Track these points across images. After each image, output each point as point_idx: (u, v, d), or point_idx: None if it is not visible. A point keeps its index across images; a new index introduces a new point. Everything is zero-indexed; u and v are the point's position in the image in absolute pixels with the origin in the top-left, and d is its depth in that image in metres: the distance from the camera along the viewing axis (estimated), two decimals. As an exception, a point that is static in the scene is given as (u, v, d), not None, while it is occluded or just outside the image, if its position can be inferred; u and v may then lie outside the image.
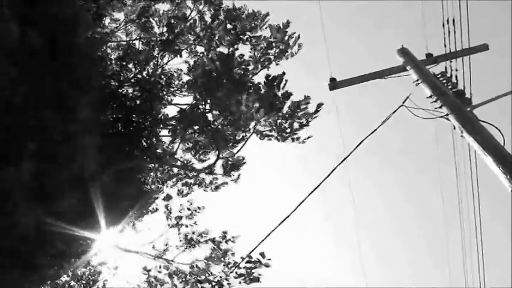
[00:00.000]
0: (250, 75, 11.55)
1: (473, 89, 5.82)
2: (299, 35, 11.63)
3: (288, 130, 11.53)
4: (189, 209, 13.28)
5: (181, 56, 12.24)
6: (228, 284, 11.14)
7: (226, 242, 12.97)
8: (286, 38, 11.57)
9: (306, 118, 11.39)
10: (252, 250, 5.97)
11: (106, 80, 10.70)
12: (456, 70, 6.17)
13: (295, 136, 11.67)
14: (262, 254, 10.67)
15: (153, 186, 12.81)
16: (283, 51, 11.67)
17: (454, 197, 6.56)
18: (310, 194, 5.87)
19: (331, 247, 32.05)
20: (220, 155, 11.89)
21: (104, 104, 10.10)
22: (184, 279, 12.83)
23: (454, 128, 5.54)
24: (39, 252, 7.92)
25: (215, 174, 12.72)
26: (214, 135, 11.31)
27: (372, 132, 5.96)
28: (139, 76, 11.57)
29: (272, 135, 11.79)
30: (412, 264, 29.89)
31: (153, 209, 13.06)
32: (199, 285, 12.46)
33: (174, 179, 13.28)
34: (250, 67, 11.53)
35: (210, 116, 11.51)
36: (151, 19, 12.12)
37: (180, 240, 13.25)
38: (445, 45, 6.16)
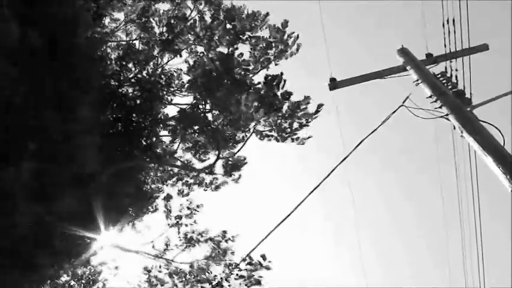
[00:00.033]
0: (250, 75, 11.55)
1: (473, 89, 5.82)
2: (298, 35, 11.64)
3: (288, 130, 11.53)
4: (188, 208, 13.30)
5: (181, 56, 12.24)
6: (229, 285, 11.14)
7: (226, 241, 12.99)
8: (285, 37, 11.57)
9: (306, 118, 11.39)
10: (252, 250, 5.97)
11: (106, 80, 10.69)
12: (456, 70, 6.17)
13: (295, 136, 11.68)
14: (264, 257, 10.68)
15: (153, 186, 12.82)
16: (283, 51, 11.67)
17: (454, 197, 6.57)
18: (310, 193, 5.87)
19: (331, 247, 32.06)
20: (220, 155, 11.90)
21: (103, 103, 10.10)
22: (184, 279, 12.84)
23: (454, 128, 5.55)
24: (39, 252, 7.92)
25: (215, 174, 12.73)
26: (214, 135, 11.32)
27: (371, 132, 5.96)
28: (139, 76, 11.56)
29: (272, 136, 11.80)
30: (412, 264, 29.91)
31: (153, 208, 13.06)
32: (199, 285, 12.47)
33: (174, 179, 13.29)
34: (250, 67, 11.53)
35: (210, 116, 11.51)
36: (151, 19, 12.11)
37: (180, 240, 13.26)
38: (445, 45, 6.16)
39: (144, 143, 11.05)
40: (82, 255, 10.45)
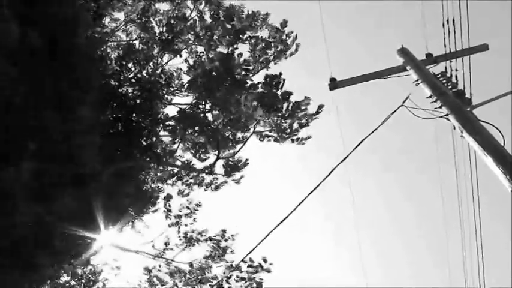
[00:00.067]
0: (250, 75, 11.56)
1: (473, 89, 5.82)
2: (296, 35, 11.65)
3: (288, 131, 11.54)
4: (188, 208, 13.30)
5: (181, 56, 12.25)
6: (229, 287, 11.15)
7: (226, 240, 13.01)
8: (284, 37, 11.58)
9: (306, 119, 11.41)
10: (252, 250, 5.96)
11: (106, 80, 10.69)
12: (456, 70, 6.17)
13: (295, 137, 11.69)
14: (265, 259, 10.69)
15: (153, 185, 12.81)
16: (282, 51, 11.68)
17: (454, 197, 6.57)
18: (309, 193, 5.86)
19: (331, 247, 32.05)
20: (221, 155, 11.90)
21: (103, 103, 10.10)
22: (184, 278, 12.85)
23: (454, 128, 5.55)
24: (39, 252, 7.92)
25: (215, 175, 12.73)
26: (214, 135, 11.32)
27: (371, 132, 5.96)
28: (139, 75, 11.56)
29: (272, 136, 11.81)
30: (412, 264, 29.90)
31: (153, 208, 13.06)
32: (199, 285, 12.48)
33: (175, 178, 13.29)
34: (250, 67, 11.54)
35: (210, 116, 11.52)
36: (151, 19, 12.12)
37: (180, 239, 13.27)
38: (445, 45, 6.16)
39: (144, 143, 11.05)
40: (82, 255, 10.45)
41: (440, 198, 9.48)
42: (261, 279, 10.85)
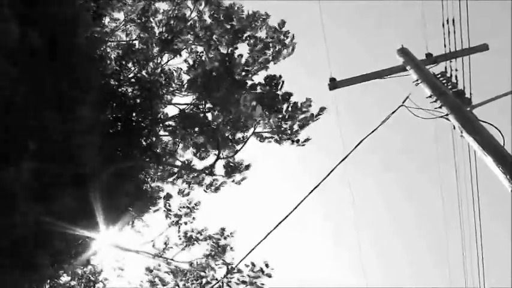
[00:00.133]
0: (250, 75, 11.55)
1: (473, 89, 5.82)
2: (293, 35, 11.63)
3: (288, 132, 11.54)
4: (188, 207, 13.32)
5: (181, 56, 12.24)
6: None
7: (225, 238, 13.03)
8: (282, 37, 11.58)
9: (306, 120, 11.42)
10: (251, 250, 5.96)
11: (106, 80, 10.69)
12: (456, 70, 6.17)
13: (295, 138, 11.70)
14: (266, 264, 10.70)
15: (153, 185, 12.81)
16: (280, 51, 11.67)
17: (454, 197, 6.57)
18: (309, 193, 5.87)
19: (330, 247, 32.05)
20: (220, 155, 11.90)
21: (103, 103, 10.09)
22: (184, 278, 12.87)
23: (454, 128, 5.55)
24: (39, 252, 7.92)
25: (215, 175, 12.74)
26: (214, 135, 11.32)
27: (371, 132, 5.96)
28: (139, 75, 11.56)
29: (272, 137, 11.82)
30: (412, 264, 29.90)
31: (153, 207, 13.07)
32: (199, 286, 12.49)
33: (175, 177, 13.29)
34: (250, 68, 11.54)
35: (209, 116, 11.52)
36: (151, 19, 12.12)
37: (180, 239, 13.28)
38: (445, 45, 6.16)
39: (144, 142, 11.05)
40: (82, 255, 10.45)
41: (440, 198, 9.48)
42: (262, 284, 10.86)
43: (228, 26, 11.58)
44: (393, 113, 6.02)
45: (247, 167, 12.59)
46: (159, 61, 12.21)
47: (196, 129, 11.42)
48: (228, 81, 10.91)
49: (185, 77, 12.21)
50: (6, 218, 6.96)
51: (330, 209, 31.48)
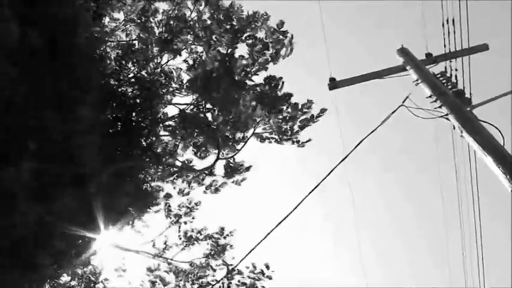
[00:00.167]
0: (250, 75, 11.55)
1: (473, 89, 5.82)
2: (292, 35, 11.63)
3: (289, 133, 11.55)
4: (188, 207, 13.34)
5: (180, 55, 12.23)
6: None
7: (224, 237, 13.05)
8: (281, 37, 11.58)
9: (307, 121, 11.44)
10: (251, 250, 5.97)
11: (105, 79, 10.69)
12: (456, 70, 6.17)
13: (295, 139, 11.71)
14: (267, 266, 10.72)
15: (153, 184, 12.81)
16: (279, 52, 11.66)
17: (454, 197, 6.57)
18: (309, 193, 5.87)
19: (330, 247, 32.04)
20: (220, 155, 11.90)
21: (103, 103, 10.09)
22: (185, 277, 12.88)
23: (454, 127, 5.55)
24: (39, 252, 7.92)
25: (215, 176, 12.74)
26: (214, 135, 11.32)
27: (371, 132, 5.96)
28: (138, 75, 11.56)
29: (272, 138, 11.83)
30: (412, 264, 29.89)
31: (153, 207, 13.08)
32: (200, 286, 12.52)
33: (175, 176, 13.29)
34: (249, 68, 11.53)
35: (209, 116, 11.52)
36: (150, 19, 12.11)
37: (180, 238, 13.30)
38: (444, 45, 6.16)
39: (144, 142, 11.05)
40: (82, 255, 10.45)
41: (440, 198, 9.49)
42: (263, 287, 10.89)
43: (228, 26, 11.58)
44: (393, 113, 6.03)
45: (248, 168, 12.59)
46: (159, 61, 12.21)
47: (196, 129, 11.42)
48: (228, 82, 10.91)
49: (185, 77, 12.22)
50: (6, 218, 6.96)
51: (330, 209, 31.48)
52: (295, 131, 11.66)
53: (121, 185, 10.20)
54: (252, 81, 11.43)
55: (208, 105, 11.44)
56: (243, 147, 11.92)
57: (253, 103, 10.78)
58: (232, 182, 12.82)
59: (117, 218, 10.56)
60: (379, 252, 28.36)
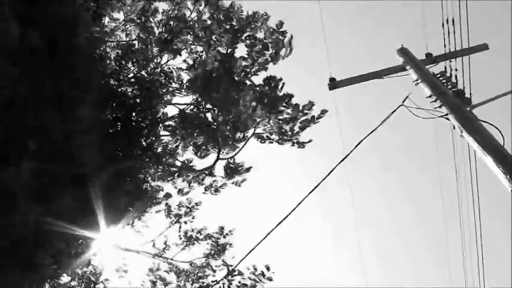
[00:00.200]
0: (249, 75, 11.55)
1: (473, 88, 5.83)
2: (292, 35, 11.63)
3: (289, 134, 11.56)
4: (188, 207, 13.35)
5: (180, 55, 12.24)
6: None
7: (224, 236, 13.06)
8: (281, 37, 11.58)
9: (307, 122, 11.45)
10: (251, 250, 5.97)
11: (105, 79, 10.70)
12: (456, 70, 6.18)
13: (295, 140, 11.71)
14: (268, 267, 10.71)
15: (153, 184, 12.82)
16: (279, 52, 11.67)
17: (454, 197, 6.57)
18: (309, 193, 5.87)
19: (330, 247, 32.05)
20: (220, 156, 11.89)
21: (103, 103, 10.10)
22: (185, 278, 12.89)
23: (454, 127, 5.55)
24: (39, 252, 7.92)
25: (215, 176, 12.74)
26: (214, 135, 11.32)
27: (371, 132, 5.97)
28: (138, 75, 11.57)
29: (273, 139, 11.83)
30: (412, 264, 29.90)
31: (153, 207, 13.09)
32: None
33: (175, 175, 13.29)
34: (249, 68, 11.54)
35: (209, 116, 11.52)
36: (150, 19, 12.12)
37: (180, 238, 13.30)
38: (444, 45, 6.16)
39: (144, 142, 11.05)
40: (82, 255, 10.45)
41: (440, 198, 9.49)
42: None
43: (228, 26, 11.58)
44: (393, 112, 6.03)
45: (248, 169, 12.58)
46: (158, 61, 12.21)
47: (197, 129, 11.42)
48: (228, 82, 10.91)
49: (185, 77, 12.22)
50: (6, 218, 6.96)
51: (330, 209, 31.48)
52: (295, 132, 11.66)
53: (121, 185, 10.20)
54: (252, 81, 11.44)
55: (208, 105, 11.44)
56: (243, 147, 11.91)
57: (253, 103, 10.78)
58: (232, 183, 12.81)
59: (117, 217, 10.56)
60: (379, 252, 28.38)
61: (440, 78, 6.39)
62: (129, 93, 11.20)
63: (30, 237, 7.52)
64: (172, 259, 13.23)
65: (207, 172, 12.60)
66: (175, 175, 13.09)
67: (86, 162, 8.23)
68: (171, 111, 12.29)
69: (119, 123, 10.70)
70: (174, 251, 13.30)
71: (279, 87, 11.07)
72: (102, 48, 10.85)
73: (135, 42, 12.20)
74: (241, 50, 11.65)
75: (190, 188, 13.35)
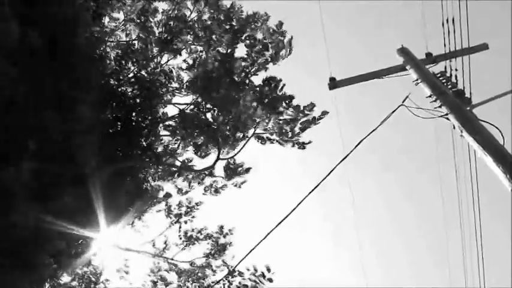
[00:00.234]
0: (249, 76, 11.55)
1: (473, 88, 5.82)
2: (292, 36, 11.64)
3: (289, 134, 11.57)
4: (188, 206, 13.35)
5: (180, 55, 12.24)
6: None
7: (224, 236, 13.06)
8: (280, 37, 11.58)
9: (308, 123, 11.46)
10: (251, 250, 5.97)
11: (105, 79, 10.69)
12: (456, 70, 6.17)
13: (296, 141, 11.72)
14: (268, 268, 10.71)
15: (153, 184, 12.82)
16: (279, 52, 11.67)
17: (454, 197, 6.57)
18: (309, 193, 5.87)
19: (330, 247, 32.04)
20: (220, 156, 11.89)
21: (103, 103, 10.10)
22: (186, 278, 12.90)
23: (454, 127, 5.55)
24: (39, 251, 7.92)
25: (215, 177, 12.74)
26: (214, 134, 11.32)
27: (371, 132, 5.96)
28: (138, 75, 11.57)
29: (273, 139, 11.84)
30: (412, 264, 29.88)
31: (154, 207, 13.08)
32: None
33: (175, 175, 13.30)
34: (249, 69, 11.54)
35: (209, 116, 11.52)
36: (150, 19, 12.12)
37: (180, 238, 13.30)
38: (444, 45, 6.16)
39: (144, 142, 11.05)
40: (82, 255, 10.45)
41: (440, 198, 9.47)
42: None
43: (228, 27, 11.58)
44: (393, 112, 6.03)
45: (248, 169, 12.58)
46: (158, 61, 12.21)
47: (197, 129, 11.42)
48: (228, 82, 10.92)
49: (185, 77, 12.22)
50: (6, 218, 6.96)
51: (330, 209, 31.46)
52: (296, 132, 11.67)
53: (121, 185, 10.20)
54: (252, 81, 11.44)
55: (208, 105, 11.44)
56: (243, 147, 11.92)
57: (254, 103, 10.79)
58: (232, 184, 12.82)
59: (118, 217, 10.56)
60: (379, 252, 28.35)
61: (440, 78, 6.38)
62: (129, 93, 11.20)
63: (30, 237, 7.52)
64: (172, 259, 13.24)
65: (207, 172, 12.60)
66: (176, 175, 13.10)
67: (86, 162, 8.23)
68: (171, 111, 12.31)
69: (119, 123, 10.70)
70: (174, 251, 13.32)
71: (279, 88, 11.08)
72: (102, 48, 10.84)
73: (135, 42, 12.20)
74: (241, 50, 11.65)
75: (191, 187, 13.36)
